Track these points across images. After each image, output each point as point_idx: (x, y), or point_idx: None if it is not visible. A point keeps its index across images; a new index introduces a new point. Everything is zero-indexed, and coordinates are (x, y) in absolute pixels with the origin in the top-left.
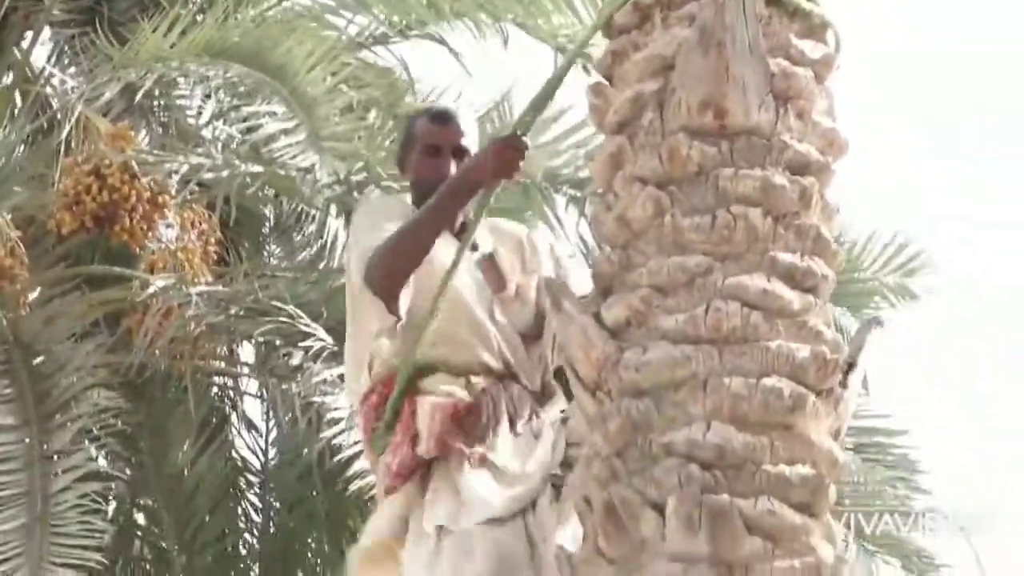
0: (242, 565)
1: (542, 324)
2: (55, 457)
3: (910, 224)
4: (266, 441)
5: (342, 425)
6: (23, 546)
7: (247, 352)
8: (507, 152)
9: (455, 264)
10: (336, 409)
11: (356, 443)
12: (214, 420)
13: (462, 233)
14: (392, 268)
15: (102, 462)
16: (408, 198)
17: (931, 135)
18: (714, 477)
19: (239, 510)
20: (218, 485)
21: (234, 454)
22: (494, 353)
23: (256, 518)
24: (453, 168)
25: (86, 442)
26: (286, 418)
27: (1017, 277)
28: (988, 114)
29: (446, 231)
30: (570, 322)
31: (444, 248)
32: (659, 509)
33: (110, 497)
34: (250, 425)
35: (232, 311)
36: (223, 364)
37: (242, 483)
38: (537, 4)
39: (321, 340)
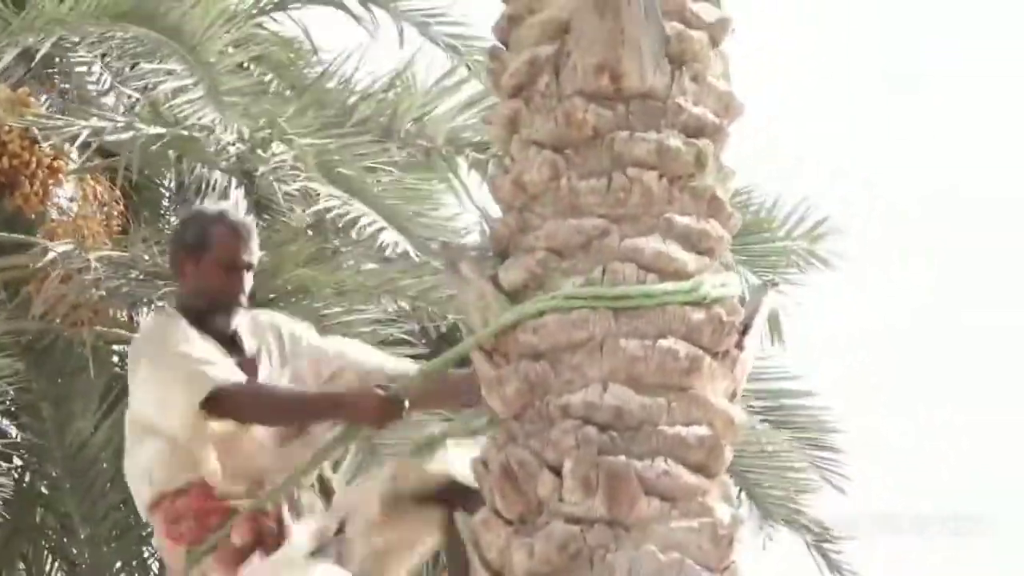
0: (144, 533)
1: None
2: None
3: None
4: None
5: None
6: None
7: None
8: (390, 412)
9: None
10: None
11: None
12: (116, 387)
13: (232, 342)
14: (258, 416)
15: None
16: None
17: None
18: (611, 438)
19: None
20: (120, 453)
21: None
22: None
23: None
24: (247, 283)
25: None
26: None
27: None
28: None
29: (213, 340)
30: (467, 286)
31: (209, 348)
32: (556, 470)
33: (12, 466)
34: None
35: (131, 276)
36: (125, 332)
37: None
38: None
39: None
